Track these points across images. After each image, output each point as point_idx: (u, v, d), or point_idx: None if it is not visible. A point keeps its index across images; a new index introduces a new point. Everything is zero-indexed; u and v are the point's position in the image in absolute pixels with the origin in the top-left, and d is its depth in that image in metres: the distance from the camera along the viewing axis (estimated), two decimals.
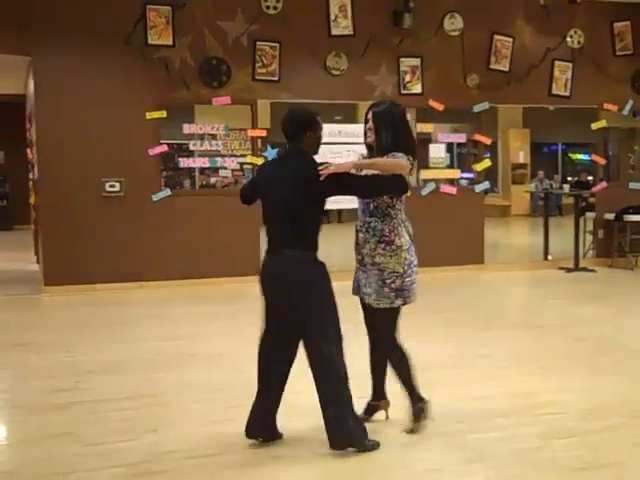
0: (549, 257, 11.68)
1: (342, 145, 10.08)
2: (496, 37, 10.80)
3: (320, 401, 4.15)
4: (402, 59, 10.42)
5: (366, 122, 4.45)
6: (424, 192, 10.74)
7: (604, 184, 11.72)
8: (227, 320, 7.86)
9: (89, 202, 9.36)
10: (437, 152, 10.96)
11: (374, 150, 4.41)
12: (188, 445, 4.32)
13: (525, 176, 21.56)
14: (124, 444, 4.34)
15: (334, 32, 10.07)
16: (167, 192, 9.72)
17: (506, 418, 4.71)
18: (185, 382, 5.61)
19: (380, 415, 4.63)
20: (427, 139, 11.28)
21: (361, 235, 4.37)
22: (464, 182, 12.41)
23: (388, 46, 10.24)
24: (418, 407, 4.43)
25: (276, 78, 9.90)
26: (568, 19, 11.04)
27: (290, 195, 4.10)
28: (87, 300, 8.94)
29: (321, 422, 4.15)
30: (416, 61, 10.46)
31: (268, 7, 9.74)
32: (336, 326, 4.16)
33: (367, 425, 4.28)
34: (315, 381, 4.16)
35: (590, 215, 11.90)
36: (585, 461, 4.04)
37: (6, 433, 4.87)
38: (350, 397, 4.12)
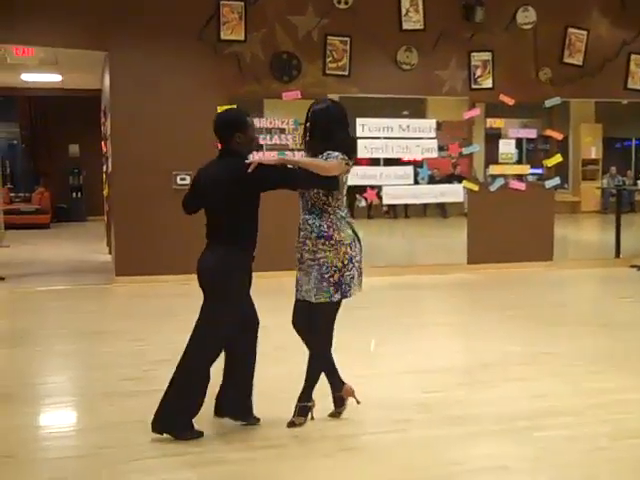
0: (621, 255, 11.44)
1: (409, 140, 10.08)
2: (570, 30, 10.62)
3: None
4: (473, 53, 10.33)
5: (306, 121, 4.50)
6: (493, 188, 10.65)
7: None
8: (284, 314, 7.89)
9: (160, 195, 9.52)
10: (507, 148, 10.83)
11: (306, 150, 4.55)
12: (254, 435, 4.39)
13: (596, 172, 21.12)
14: None
15: (405, 26, 10.04)
16: None
17: (574, 417, 4.66)
18: (267, 375, 5.64)
19: (351, 401, 4.67)
20: (497, 134, 11.17)
21: (302, 233, 4.42)
22: (533, 178, 12.23)
23: (459, 40, 10.17)
24: (306, 406, 4.56)
25: (346, 72, 9.92)
26: None
27: (225, 194, 4.32)
28: (157, 291, 9.12)
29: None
30: (487, 55, 10.36)
31: (339, 1, 9.76)
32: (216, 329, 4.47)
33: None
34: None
35: None
36: None
37: (77, 420, 4.99)
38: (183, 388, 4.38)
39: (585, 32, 10.66)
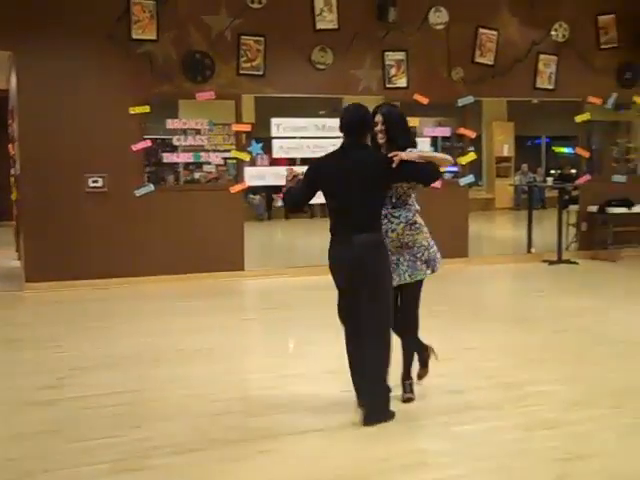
0: (532, 250, 11.73)
1: (326, 139, 10.08)
2: (481, 30, 10.81)
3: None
4: (387, 53, 10.42)
5: (375, 124, 4.73)
6: None
7: (587, 177, 11.77)
8: (211, 315, 7.85)
9: (72, 198, 9.30)
10: (422, 146, 10.93)
11: (386, 149, 4.71)
12: (173, 441, 4.31)
13: (509, 169, 21.63)
14: (109, 440, 4.33)
15: (319, 26, 10.04)
16: (150, 188, 9.68)
17: (490, 410, 4.73)
18: (171, 377, 5.60)
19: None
20: (412, 133, 11.26)
21: (384, 227, 4.70)
22: (448, 175, 12.42)
23: (373, 40, 10.23)
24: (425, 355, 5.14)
25: (261, 72, 9.86)
26: (553, 12, 11.07)
27: (367, 183, 4.49)
28: (70, 296, 8.89)
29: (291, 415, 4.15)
30: (401, 55, 10.46)
31: (253, 1, 9.70)
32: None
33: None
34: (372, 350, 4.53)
35: (573, 208, 11.95)
36: (568, 451, 4.06)
37: None
38: None
39: (495, 32, 10.87)
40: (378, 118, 4.73)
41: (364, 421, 4.43)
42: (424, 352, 5.13)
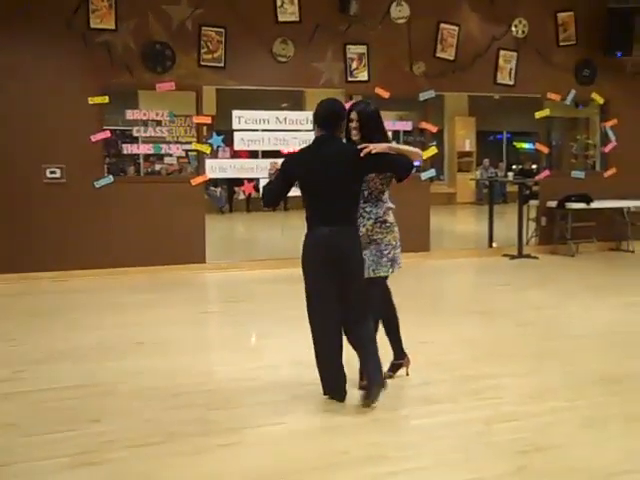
0: (494, 244, 11.83)
1: (288, 132, 10.05)
2: (442, 25, 10.83)
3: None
4: (348, 46, 10.40)
5: (350, 121, 4.83)
6: None
7: (547, 172, 11.89)
8: (172, 307, 7.78)
9: (29, 189, 9.16)
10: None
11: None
12: (132, 434, 4.26)
13: (471, 164, 21.80)
14: (66, 434, 4.27)
15: (280, 18, 9.99)
16: (110, 179, 9.56)
17: (451, 403, 4.74)
18: (129, 371, 5.53)
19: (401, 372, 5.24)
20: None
21: (360, 220, 4.80)
22: None
23: (334, 33, 10.21)
24: (399, 363, 5.25)
25: (222, 64, 9.78)
26: (513, 9, 11.14)
27: (340, 175, 4.56)
28: (29, 288, 8.75)
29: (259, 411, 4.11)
30: (362, 48, 10.45)
31: None
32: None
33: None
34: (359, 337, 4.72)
35: (533, 203, 12.06)
36: (528, 443, 4.09)
37: None
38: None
39: (456, 27, 10.90)
40: (353, 115, 4.82)
41: (370, 397, 4.57)
42: (399, 360, 5.25)
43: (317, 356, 4.74)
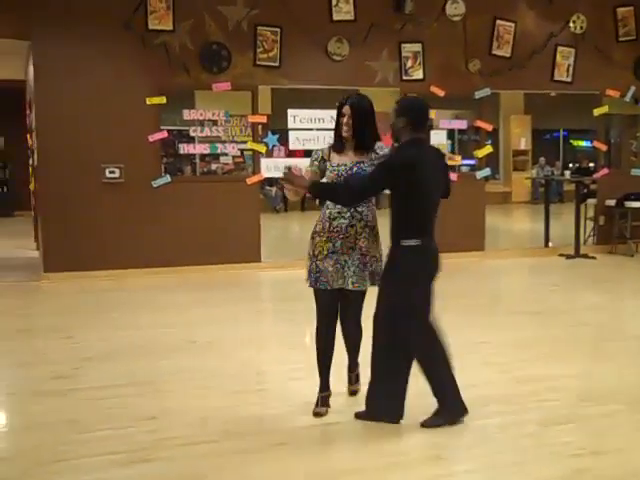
0: (550, 244, 11.68)
1: None
2: (498, 22, 10.73)
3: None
4: (403, 45, 10.37)
5: (342, 116, 4.41)
6: None
7: (605, 171, 11.69)
8: (226, 306, 7.86)
9: (89, 188, 9.33)
10: (438, 138, 10.90)
11: (347, 143, 4.45)
12: (187, 432, 4.32)
13: (526, 163, 21.53)
14: (123, 431, 4.34)
15: (335, 17, 10.01)
16: (167, 178, 9.70)
17: (506, 405, 4.71)
18: (184, 369, 5.61)
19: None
20: (428, 125, 11.20)
21: (343, 221, 4.42)
22: (465, 169, 12.38)
23: (389, 31, 10.19)
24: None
25: (277, 64, 9.84)
26: (571, 4, 10.98)
27: (440, 184, 4.41)
28: (87, 286, 8.93)
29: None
30: (417, 46, 10.41)
31: None
32: None
33: None
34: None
35: (591, 202, 11.87)
36: (583, 447, 4.04)
37: (5, 420, 4.86)
38: None
39: (513, 24, 10.79)
40: (346, 110, 4.38)
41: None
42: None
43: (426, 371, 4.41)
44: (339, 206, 4.39)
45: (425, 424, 4.30)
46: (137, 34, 9.27)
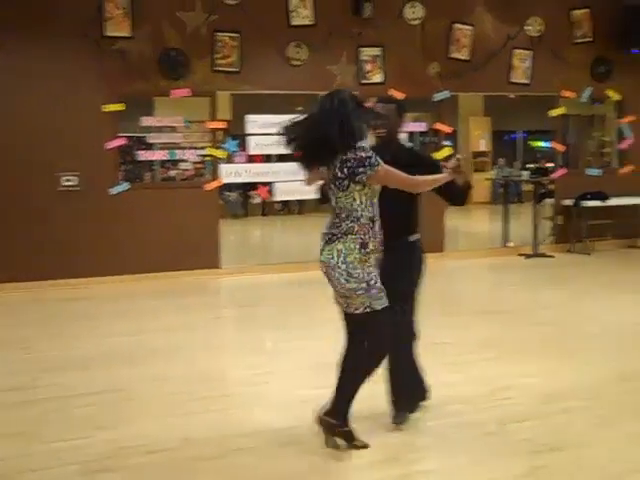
0: (509, 244, 11.80)
1: None
2: (456, 26, 10.83)
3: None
4: (362, 49, 10.41)
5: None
6: None
7: (563, 171, 11.85)
8: (188, 313, 7.82)
9: (44, 197, 9.21)
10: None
11: None
12: (146, 440, 4.30)
13: (486, 164, 21.71)
14: (80, 441, 4.31)
15: (294, 22, 10.02)
16: (125, 186, 9.63)
17: (465, 404, 4.75)
18: (144, 377, 5.57)
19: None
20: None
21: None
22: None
23: (348, 36, 10.22)
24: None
25: (236, 69, 9.82)
26: (527, 7, 11.10)
27: None
28: (42, 297, 8.80)
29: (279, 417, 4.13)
30: (377, 50, 10.46)
31: None
32: None
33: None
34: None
35: (549, 201, 12.02)
36: (541, 444, 4.10)
37: None
38: None
39: (470, 27, 10.89)
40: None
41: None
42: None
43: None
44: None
45: (397, 421, 4.34)
46: (93, 40, 9.18)
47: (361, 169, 3.88)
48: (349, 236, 3.92)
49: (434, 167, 4.38)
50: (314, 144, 3.99)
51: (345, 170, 3.91)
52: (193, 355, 6.18)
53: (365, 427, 4.29)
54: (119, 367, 5.85)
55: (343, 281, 3.90)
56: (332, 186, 3.99)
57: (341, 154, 3.92)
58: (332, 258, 3.93)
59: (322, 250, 4.01)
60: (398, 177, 4.03)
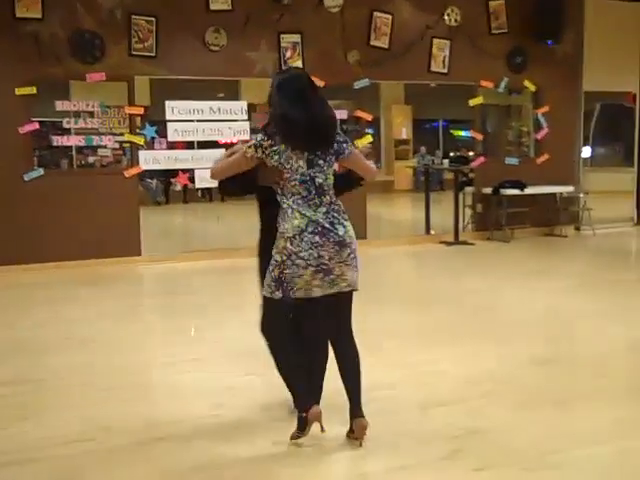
0: (431, 231, 11.93)
1: (223, 122, 9.95)
2: (376, 14, 10.85)
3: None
4: (282, 35, 10.34)
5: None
6: None
7: (482, 159, 12.03)
8: (106, 301, 7.65)
9: None
10: None
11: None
12: (65, 431, 4.18)
13: (408, 152, 21.93)
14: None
15: (212, 7, 9.87)
16: (40, 172, 9.35)
17: (386, 390, 4.76)
18: (62, 367, 5.42)
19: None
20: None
21: None
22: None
23: (268, 22, 10.13)
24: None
25: (153, 54, 9.63)
26: None
27: None
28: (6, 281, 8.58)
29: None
30: (296, 37, 10.40)
31: None
32: None
33: None
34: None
35: (469, 190, 12.20)
36: (461, 427, 4.13)
37: None
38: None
39: (390, 16, 10.93)
40: None
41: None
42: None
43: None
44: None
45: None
46: (4, 22, 8.86)
47: (345, 145, 3.96)
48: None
49: None
50: (330, 123, 3.92)
51: (336, 146, 3.94)
52: (114, 344, 6.03)
53: (281, 417, 4.25)
54: (35, 357, 5.69)
55: (358, 258, 4.18)
56: (323, 166, 3.89)
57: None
58: (352, 235, 4.10)
59: (337, 226, 3.99)
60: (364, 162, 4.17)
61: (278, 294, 3.87)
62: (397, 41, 10.96)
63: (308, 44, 10.42)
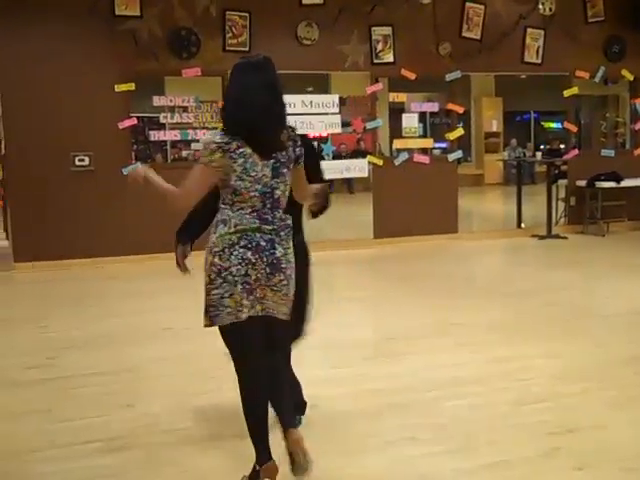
0: (522, 225, 11.75)
1: (314, 116, 10.03)
2: (468, 5, 10.74)
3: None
4: (374, 28, 10.34)
5: None
6: (397, 162, 10.74)
7: (576, 151, 11.77)
8: (200, 293, 7.78)
9: (58, 176, 9.23)
10: (410, 122, 10.90)
11: None
12: (164, 419, 4.31)
13: (498, 145, 21.61)
14: (99, 419, 4.32)
15: (304, 1, 9.95)
16: (137, 165, 9.58)
17: (479, 385, 4.73)
18: (159, 356, 5.58)
19: None
20: (400, 109, 11.23)
21: None
22: (437, 151, 12.40)
23: (359, 15, 10.15)
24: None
25: (247, 49, 9.75)
26: None
27: None
28: (58, 276, 8.85)
29: None
30: (388, 30, 10.38)
31: None
32: None
33: None
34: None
35: (562, 182, 11.95)
36: (556, 425, 4.07)
37: None
38: None
39: (482, 6, 10.79)
40: None
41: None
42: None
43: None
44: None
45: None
46: (103, 20, 9.15)
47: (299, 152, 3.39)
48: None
49: None
50: (282, 117, 3.39)
51: (297, 150, 3.38)
52: (205, 334, 6.15)
53: (381, 406, 4.29)
54: (133, 346, 5.87)
55: (293, 283, 3.39)
56: (284, 170, 3.32)
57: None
58: (291, 260, 3.37)
59: (277, 246, 3.30)
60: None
61: (205, 321, 3.43)
62: (489, 32, 10.82)
63: (399, 36, 10.39)
